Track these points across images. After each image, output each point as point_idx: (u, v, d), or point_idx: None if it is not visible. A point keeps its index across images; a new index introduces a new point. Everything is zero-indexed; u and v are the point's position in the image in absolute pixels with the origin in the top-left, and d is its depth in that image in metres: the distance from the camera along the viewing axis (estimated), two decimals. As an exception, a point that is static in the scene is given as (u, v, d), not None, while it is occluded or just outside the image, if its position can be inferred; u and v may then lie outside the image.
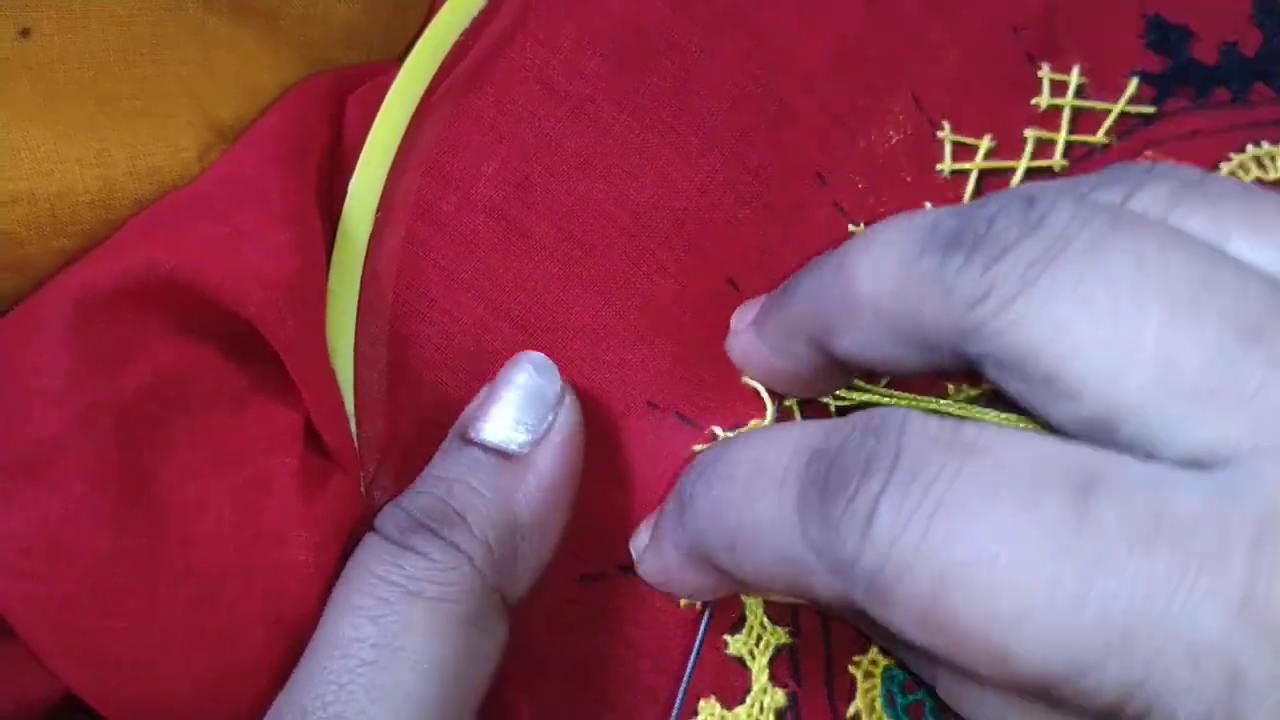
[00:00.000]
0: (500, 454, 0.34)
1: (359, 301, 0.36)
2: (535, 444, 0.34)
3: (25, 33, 0.34)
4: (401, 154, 0.37)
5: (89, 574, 0.31)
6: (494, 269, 0.37)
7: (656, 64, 0.38)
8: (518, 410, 0.35)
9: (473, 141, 0.37)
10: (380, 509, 0.34)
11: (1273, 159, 0.42)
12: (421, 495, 0.34)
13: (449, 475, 0.34)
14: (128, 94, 0.35)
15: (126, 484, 0.32)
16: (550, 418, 0.35)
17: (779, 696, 0.37)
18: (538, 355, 0.36)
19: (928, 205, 0.40)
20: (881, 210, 0.39)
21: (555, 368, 0.36)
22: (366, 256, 0.37)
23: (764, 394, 0.37)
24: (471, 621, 0.32)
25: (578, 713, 0.36)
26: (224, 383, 0.34)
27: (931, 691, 0.37)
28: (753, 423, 0.37)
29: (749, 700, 0.37)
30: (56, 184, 0.34)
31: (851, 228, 0.39)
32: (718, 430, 0.37)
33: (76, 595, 0.31)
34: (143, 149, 0.35)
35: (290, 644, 0.33)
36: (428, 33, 0.38)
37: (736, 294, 0.38)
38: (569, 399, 0.35)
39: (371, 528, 0.34)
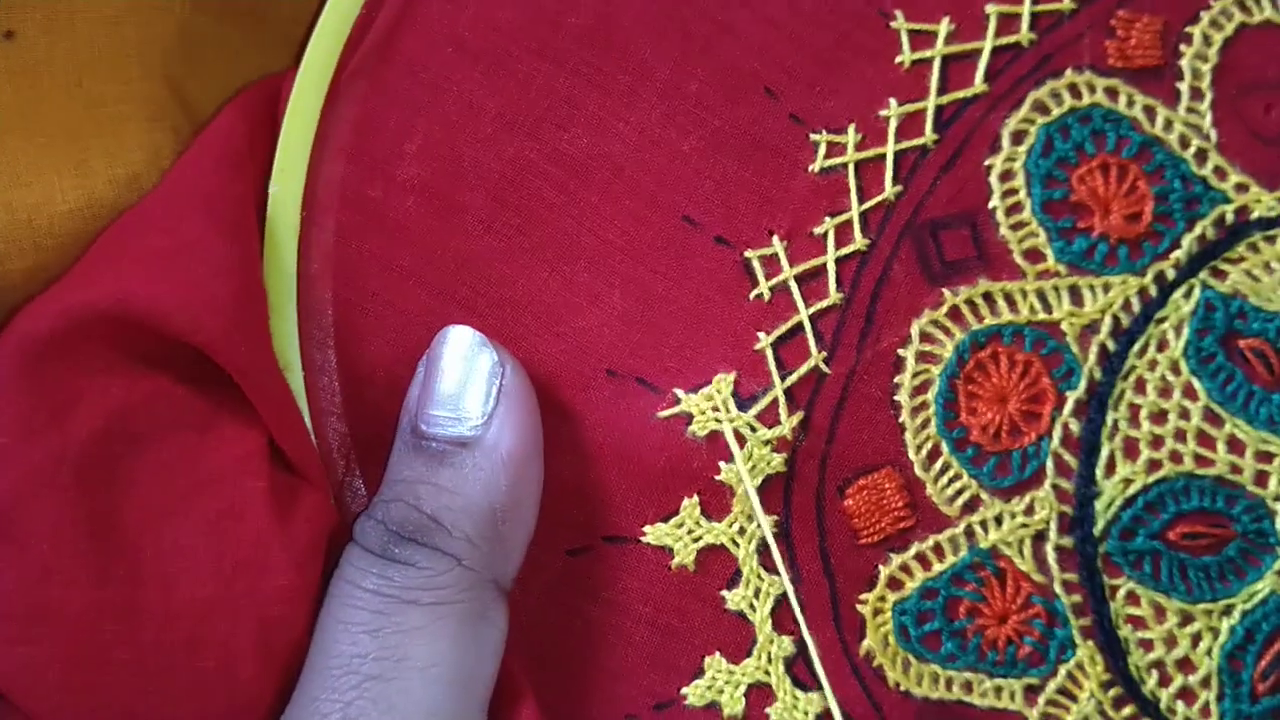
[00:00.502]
0: (455, 443, 0.33)
1: (299, 307, 0.35)
2: (487, 422, 0.33)
3: (9, 35, 0.33)
4: (319, 143, 0.36)
5: (73, 631, 0.31)
6: (432, 251, 0.36)
7: (573, 1, 0.36)
8: (457, 395, 0.34)
9: (390, 119, 0.36)
10: (357, 518, 0.34)
11: (1257, 0, 0.38)
12: (392, 505, 0.33)
13: (411, 477, 0.33)
14: (114, 97, 0.34)
15: (94, 534, 0.31)
16: (494, 390, 0.33)
17: (785, 644, 0.36)
18: (462, 331, 0.34)
19: (892, 101, 0.37)
20: (843, 116, 0.37)
21: (482, 338, 0.34)
22: (299, 258, 0.35)
23: (770, 359, 0.36)
24: (474, 616, 0.32)
25: (582, 687, 0.36)
26: (182, 411, 0.33)
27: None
28: (717, 378, 0.36)
29: (754, 652, 0.36)
30: (35, 194, 0.34)
31: (814, 137, 0.37)
32: (679, 393, 0.36)
33: (65, 655, 0.31)
34: (124, 156, 0.34)
35: (285, 670, 0.33)
36: (328, 8, 0.36)
37: (697, 231, 0.36)
38: (508, 364, 0.34)
39: (352, 539, 0.33)
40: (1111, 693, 0.36)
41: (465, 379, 0.34)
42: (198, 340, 0.32)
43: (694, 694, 0.36)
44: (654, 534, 0.36)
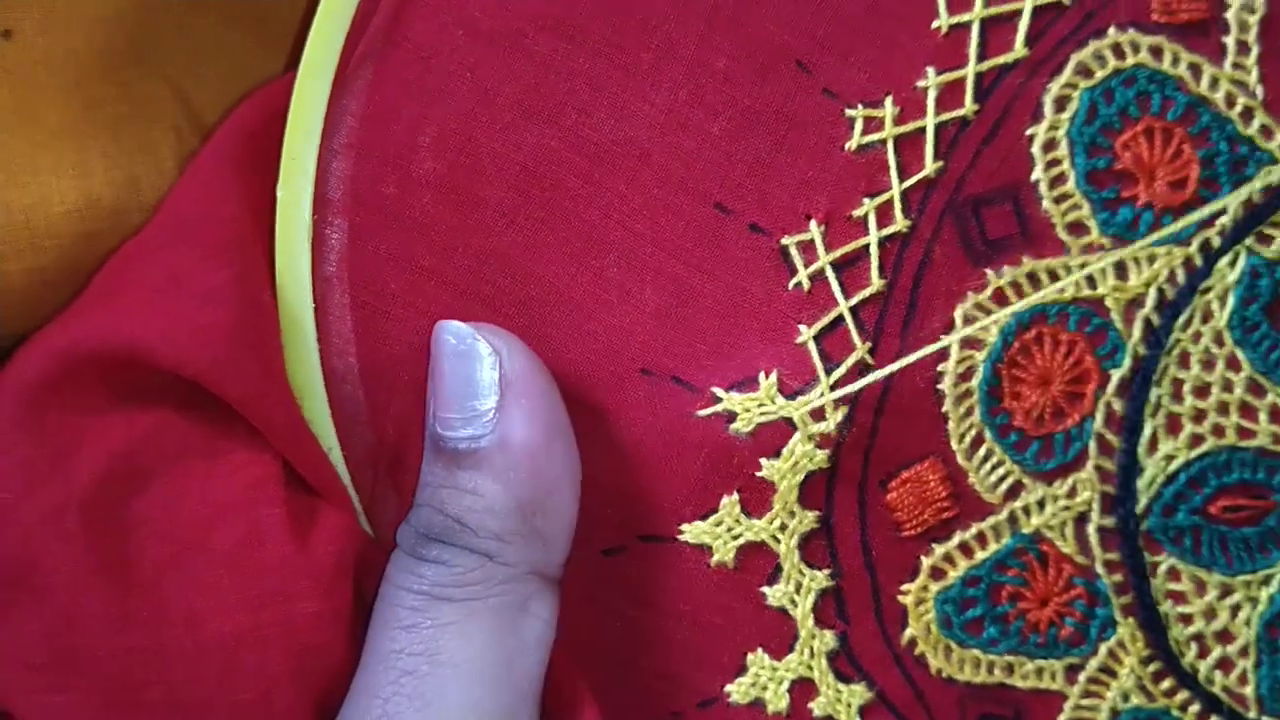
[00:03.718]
0: (469, 442, 0.32)
1: (316, 315, 0.34)
2: (496, 417, 0.32)
3: (6, 34, 0.33)
4: (326, 140, 0.34)
5: (102, 678, 0.30)
6: (452, 249, 0.34)
7: (590, -26, 0.34)
8: (460, 395, 0.32)
9: (402, 111, 0.34)
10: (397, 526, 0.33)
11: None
12: (421, 509, 0.33)
13: (434, 482, 0.33)
14: (112, 98, 0.34)
15: (111, 579, 0.31)
16: (495, 381, 0.32)
17: (828, 639, 0.35)
18: (451, 326, 0.33)
19: (930, 70, 0.35)
20: (879, 89, 0.35)
21: (473, 329, 0.32)
22: (313, 262, 0.33)
23: (814, 353, 0.34)
24: (511, 610, 0.32)
25: (623, 687, 0.35)
26: (188, 442, 0.32)
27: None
28: (761, 378, 0.34)
29: (797, 647, 0.35)
30: (33, 195, 0.33)
31: (849, 112, 0.35)
32: (718, 392, 0.34)
33: (96, 701, 0.30)
34: (123, 157, 0.34)
35: (323, 695, 0.32)
36: (326, -1, 0.33)
37: (730, 218, 0.34)
38: (506, 348, 0.32)
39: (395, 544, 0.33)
40: (1151, 667, 0.36)
41: (465, 376, 0.32)
42: (187, 373, 0.31)
43: (738, 691, 0.35)
44: (692, 532, 0.35)
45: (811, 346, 0.35)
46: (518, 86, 0.34)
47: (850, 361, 0.35)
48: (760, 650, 0.35)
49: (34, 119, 0.33)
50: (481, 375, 0.32)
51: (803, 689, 0.36)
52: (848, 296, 0.35)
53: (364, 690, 0.31)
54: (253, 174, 0.33)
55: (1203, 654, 0.36)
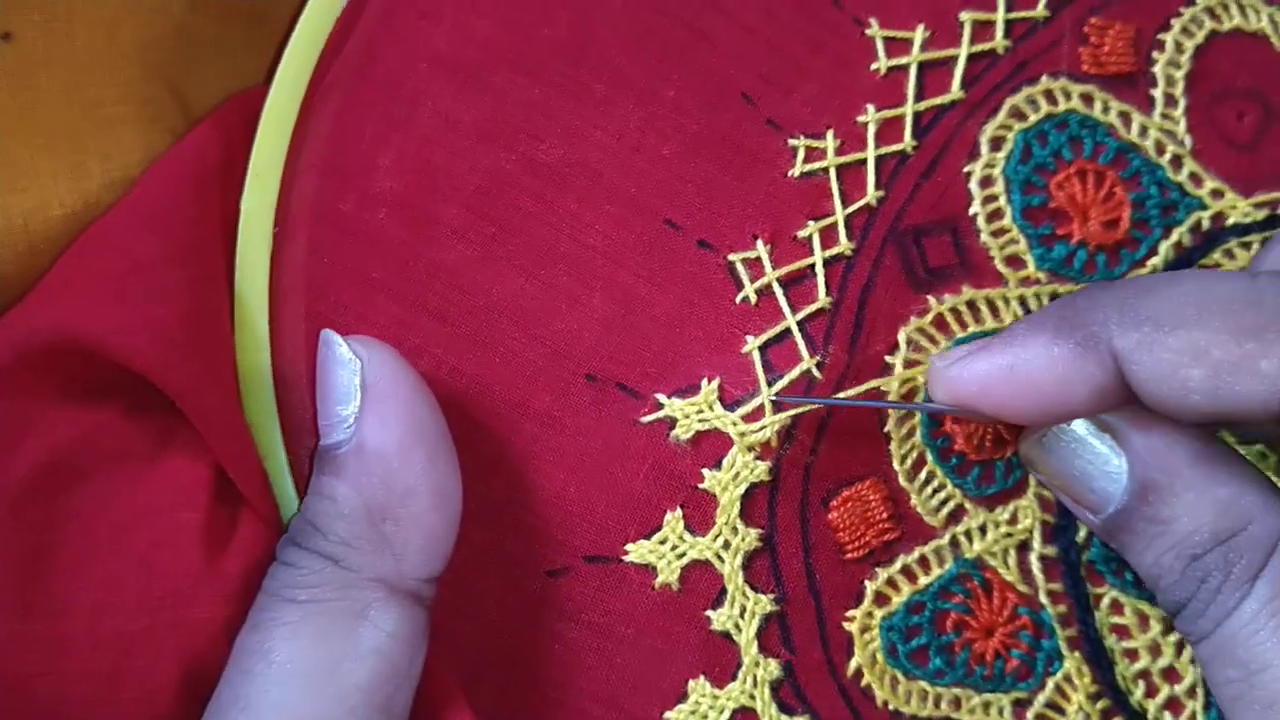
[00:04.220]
0: (332, 448, 0.32)
1: (270, 322, 0.34)
2: (354, 421, 0.32)
3: (6, 36, 0.33)
4: (292, 158, 0.35)
5: None
6: (404, 263, 0.35)
7: (548, 14, 0.35)
8: (328, 401, 0.32)
9: (366, 132, 0.35)
10: None
11: (1225, 7, 0.38)
12: (294, 518, 0.33)
13: (309, 489, 0.32)
14: (111, 99, 0.34)
15: (25, 568, 0.31)
16: (354, 386, 0.32)
17: (772, 667, 0.35)
18: (325, 335, 0.33)
19: (870, 107, 0.36)
20: (820, 122, 0.36)
21: (336, 337, 0.32)
22: (271, 273, 0.34)
23: (757, 363, 0.35)
24: (347, 616, 0.31)
25: (561, 711, 0.35)
26: (127, 444, 0.32)
27: None
28: (703, 384, 0.35)
29: (740, 675, 0.35)
30: (31, 198, 0.33)
31: (791, 142, 0.36)
32: (662, 398, 0.35)
33: None
34: (121, 159, 0.34)
35: (203, 706, 0.31)
36: (304, 18, 0.35)
37: (679, 234, 0.35)
38: (369, 354, 0.32)
39: None
40: (1100, 705, 0.36)
41: (331, 382, 0.32)
42: (135, 365, 0.31)
43: (677, 719, 0.35)
44: (636, 552, 0.35)
45: (756, 356, 0.35)
46: (476, 114, 0.35)
47: (796, 372, 0.35)
48: (702, 677, 0.35)
49: (33, 122, 0.33)
50: (344, 380, 0.32)
51: (744, 718, 0.35)
52: (795, 311, 0.35)
53: (218, 689, 0.31)
54: (224, 177, 0.34)
55: (1150, 693, 0.36)
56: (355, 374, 0.32)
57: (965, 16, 0.37)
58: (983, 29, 0.37)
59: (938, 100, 0.37)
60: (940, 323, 0.36)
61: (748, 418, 0.35)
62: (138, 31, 0.34)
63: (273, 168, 0.35)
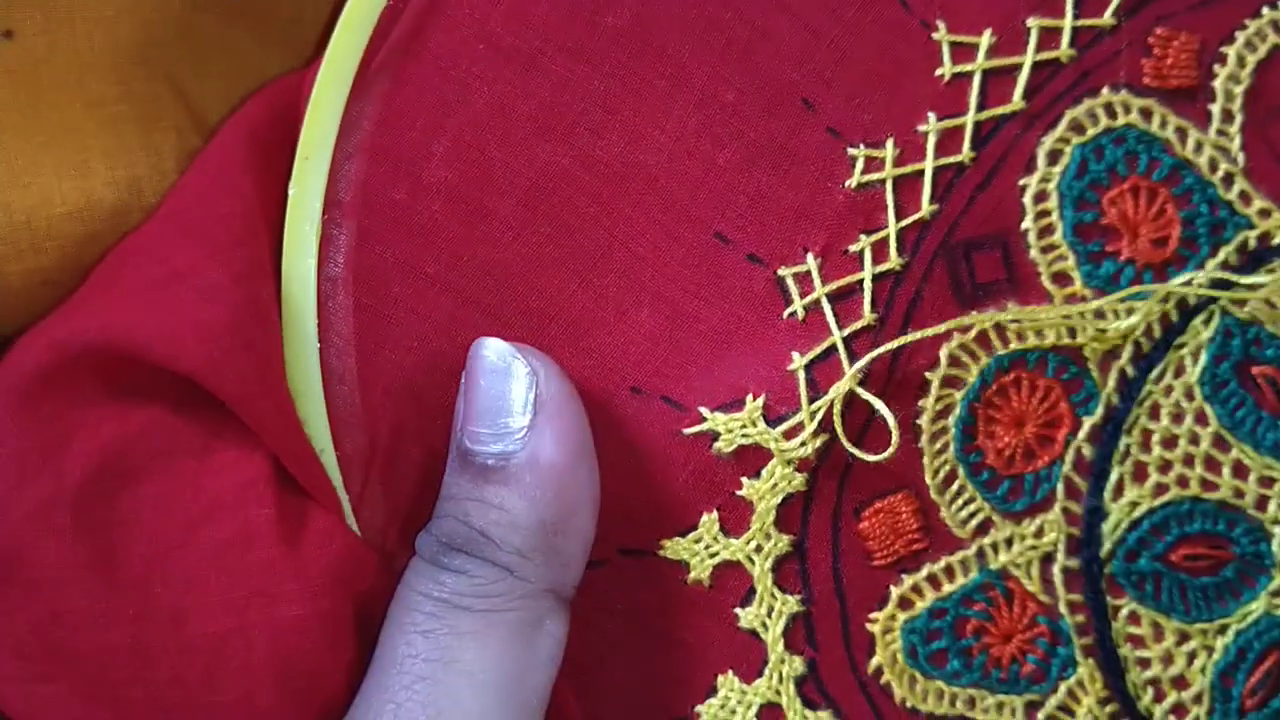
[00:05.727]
0: (498, 459, 0.33)
1: (319, 314, 0.34)
2: (526, 434, 0.33)
3: (8, 34, 0.33)
4: (341, 142, 0.34)
5: (86, 671, 0.31)
6: (458, 258, 0.34)
7: (609, 1, 0.34)
8: (492, 412, 0.33)
9: (418, 118, 0.34)
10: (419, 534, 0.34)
11: (1291, 21, 0.37)
12: (444, 520, 0.33)
13: (459, 494, 0.33)
14: (113, 97, 0.34)
15: (98, 575, 0.31)
16: (530, 401, 0.33)
17: (797, 664, 0.36)
18: (492, 343, 0.33)
19: (931, 116, 0.36)
20: (881, 130, 0.36)
21: (514, 348, 0.33)
22: (320, 264, 0.34)
23: (801, 380, 0.35)
24: (527, 626, 0.32)
25: (596, 699, 0.36)
26: (180, 439, 0.32)
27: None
28: (748, 400, 0.35)
29: (767, 671, 0.36)
30: (34, 196, 0.33)
31: (851, 151, 0.36)
32: (705, 411, 0.35)
33: (82, 694, 0.31)
34: (124, 157, 0.34)
35: (304, 699, 0.32)
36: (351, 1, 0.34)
37: (729, 248, 0.35)
38: (544, 370, 0.33)
39: (413, 552, 0.34)
40: (1108, 709, 0.37)
41: (500, 393, 0.33)
42: (182, 368, 0.31)
43: (708, 713, 0.36)
44: (671, 548, 0.36)
45: (801, 375, 0.35)
46: (533, 103, 0.34)
47: (839, 390, 0.35)
48: (730, 672, 0.36)
49: (35, 119, 0.33)
50: (516, 393, 0.33)
51: (770, 714, 0.36)
52: (841, 327, 0.36)
53: (376, 692, 0.32)
54: (257, 172, 0.33)
55: (1159, 698, 0.38)
56: (531, 388, 0.33)
57: (1033, 23, 0.36)
58: (1049, 36, 0.36)
59: (999, 110, 0.36)
60: (983, 339, 0.36)
61: (789, 434, 0.35)
62: (140, 29, 0.33)
63: (322, 151, 0.34)
